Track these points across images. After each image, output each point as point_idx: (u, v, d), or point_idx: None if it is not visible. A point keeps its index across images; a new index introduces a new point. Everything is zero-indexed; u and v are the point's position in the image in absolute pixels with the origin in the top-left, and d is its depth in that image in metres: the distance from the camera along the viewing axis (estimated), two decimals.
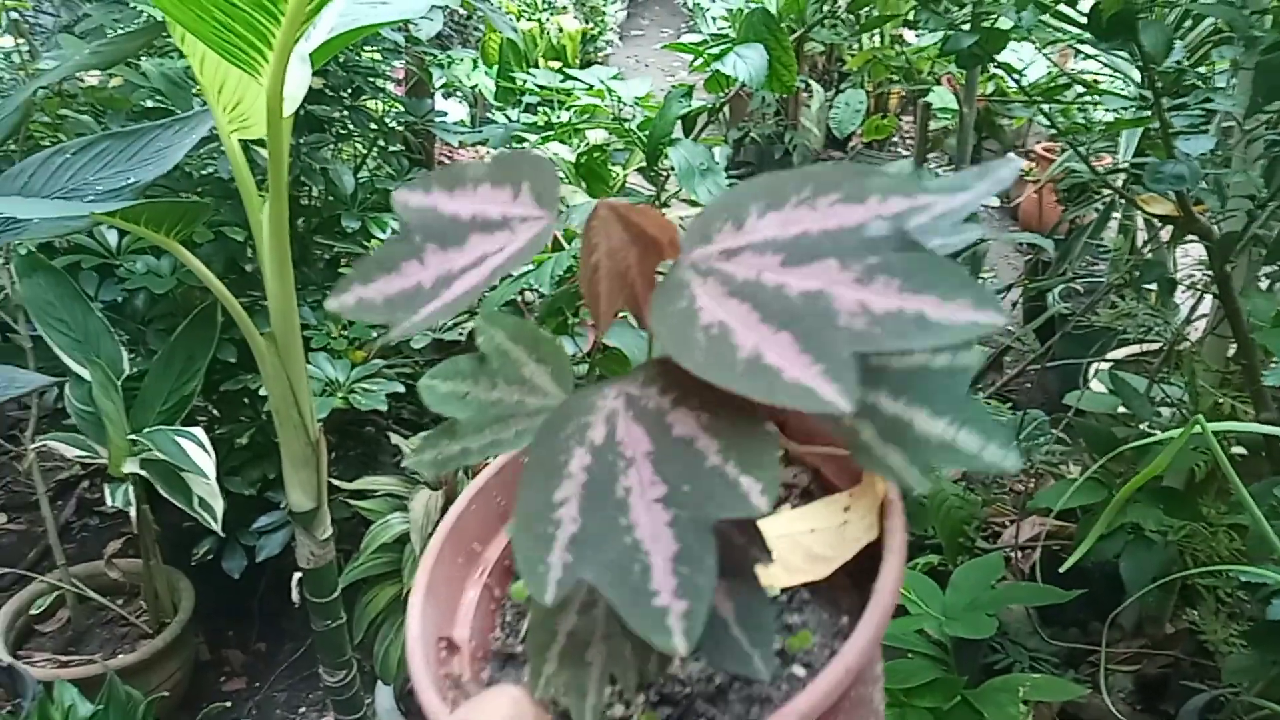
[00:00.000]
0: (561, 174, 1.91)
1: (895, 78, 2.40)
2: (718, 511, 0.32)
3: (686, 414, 0.35)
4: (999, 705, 1.16)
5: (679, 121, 1.04)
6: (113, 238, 1.47)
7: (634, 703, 0.41)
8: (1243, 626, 1.33)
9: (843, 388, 0.30)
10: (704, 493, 0.33)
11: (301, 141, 1.44)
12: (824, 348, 0.31)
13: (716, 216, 0.37)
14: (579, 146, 1.84)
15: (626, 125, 1.13)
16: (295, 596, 1.11)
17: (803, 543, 0.45)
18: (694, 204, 1.23)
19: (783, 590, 0.44)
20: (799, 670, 0.42)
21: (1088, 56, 1.67)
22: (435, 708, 0.44)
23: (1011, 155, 0.42)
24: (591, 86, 1.18)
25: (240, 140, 0.96)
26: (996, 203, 3.14)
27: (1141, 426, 1.46)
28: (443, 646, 0.51)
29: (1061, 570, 0.66)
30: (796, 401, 0.31)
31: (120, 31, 1.37)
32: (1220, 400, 1.39)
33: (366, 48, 1.49)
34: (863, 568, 0.48)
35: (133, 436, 1.30)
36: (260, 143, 0.98)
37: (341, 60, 1.43)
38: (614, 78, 1.16)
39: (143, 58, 1.40)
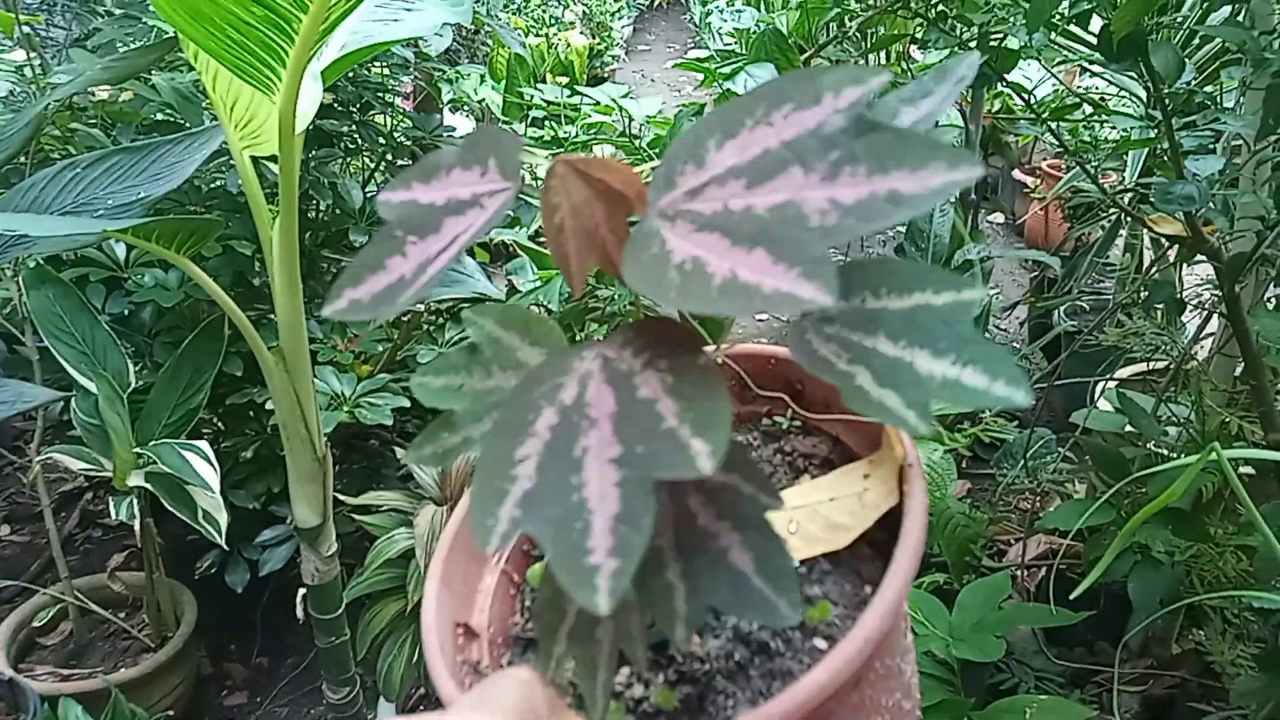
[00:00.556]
0: None
1: None
2: (662, 471, 0.31)
3: (653, 375, 0.34)
4: None
5: None
6: (120, 251, 1.47)
7: (653, 682, 0.41)
8: (1250, 648, 1.32)
9: (821, 284, 0.30)
10: (654, 453, 0.32)
11: (310, 156, 1.45)
12: (797, 252, 0.31)
13: (677, 159, 0.36)
14: None
15: (637, 143, 1.13)
16: (300, 613, 1.10)
17: (822, 511, 0.45)
18: None
19: (802, 562, 0.44)
20: (820, 643, 0.41)
21: (1094, 74, 1.67)
22: (451, 693, 0.44)
23: (971, 55, 0.41)
24: (600, 104, 1.18)
25: (251, 156, 0.96)
26: (1001, 220, 3.13)
27: (1149, 446, 1.45)
28: (460, 633, 0.51)
29: (1072, 597, 0.66)
30: (776, 307, 0.30)
31: (132, 46, 1.38)
32: (1227, 420, 1.39)
33: (376, 63, 1.49)
34: (885, 537, 0.47)
35: (138, 449, 1.30)
36: (271, 158, 0.98)
37: (351, 75, 1.44)
38: (624, 96, 1.17)
39: (153, 72, 1.40)
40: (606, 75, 4.61)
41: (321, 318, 1.51)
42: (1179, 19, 1.21)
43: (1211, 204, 1.13)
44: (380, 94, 1.47)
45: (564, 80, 2.50)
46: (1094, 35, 1.15)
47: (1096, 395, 1.75)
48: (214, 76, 0.91)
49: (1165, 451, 1.46)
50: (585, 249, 0.38)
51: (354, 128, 1.48)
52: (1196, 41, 1.40)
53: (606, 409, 0.34)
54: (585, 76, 3.44)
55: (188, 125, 1.37)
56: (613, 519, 0.31)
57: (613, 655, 0.38)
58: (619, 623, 0.38)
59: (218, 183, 1.43)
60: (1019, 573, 1.66)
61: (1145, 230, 1.75)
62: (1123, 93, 1.59)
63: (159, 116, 1.46)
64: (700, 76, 1.24)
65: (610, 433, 0.33)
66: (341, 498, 1.36)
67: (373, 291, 0.38)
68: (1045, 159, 2.89)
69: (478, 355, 0.46)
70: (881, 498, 0.44)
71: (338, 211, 1.51)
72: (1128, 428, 1.54)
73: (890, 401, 0.37)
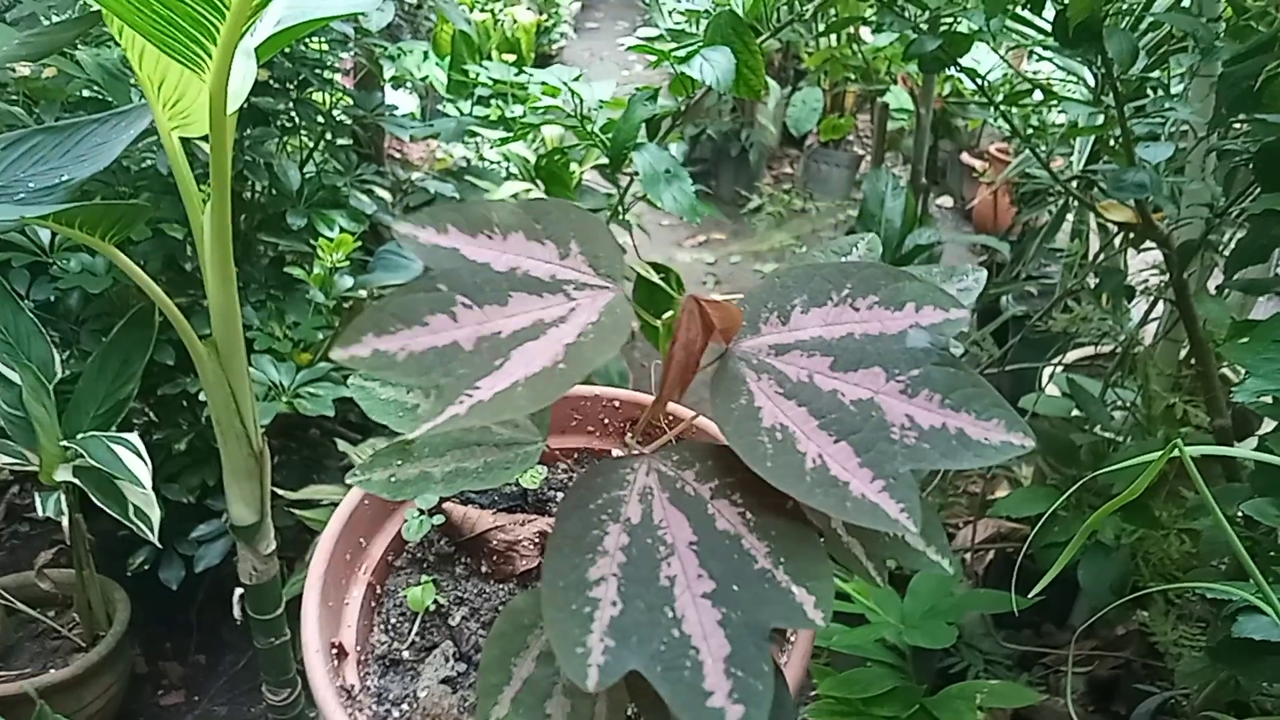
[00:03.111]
0: (518, 172, 1.87)
1: (852, 77, 2.40)
2: (773, 620, 0.32)
3: (729, 507, 0.34)
4: (956, 712, 1.16)
5: (643, 125, 1.01)
6: (45, 235, 1.41)
7: None
8: (1192, 628, 1.34)
9: (907, 508, 0.31)
10: (755, 596, 0.32)
11: (245, 135, 1.39)
12: (882, 462, 0.32)
13: (762, 306, 0.38)
14: (534, 143, 1.81)
15: (589, 128, 1.10)
16: (237, 614, 1.06)
17: None
18: (647, 202, 1.20)
19: None
20: None
21: (1041, 59, 1.68)
22: None
23: (979, 273, 0.45)
24: (551, 86, 1.15)
25: (180, 137, 0.91)
26: (950, 203, 3.16)
27: (1096, 430, 1.47)
28: (334, 652, 0.49)
29: (1033, 593, 0.65)
30: (866, 519, 0.31)
31: (54, 20, 1.31)
32: (1173, 404, 1.40)
33: (313, 39, 1.44)
34: None
35: (65, 442, 1.25)
36: (202, 139, 0.94)
37: (287, 52, 1.38)
38: (576, 78, 1.13)
39: (78, 47, 1.33)
40: (554, 53, 4.54)
41: (260, 305, 1.47)
42: (1132, 5, 1.21)
43: (1161, 191, 1.14)
44: (318, 70, 1.41)
45: (511, 58, 2.45)
46: (1048, 21, 1.14)
47: (1045, 380, 1.76)
48: (140, 53, 0.86)
49: (1112, 436, 1.47)
50: (678, 380, 0.38)
51: (291, 106, 1.42)
52: (1145, 28, 1.40)
53: (684, 537, 0.34)
54: (533, 54, 3.38)
55: (115, 104, 1.30)
56: (724, 661, 0.31)
57: None
58: (575, 705, 0.38)
59: (147, 163, 1.37)
60: (967, 556, 1.67)
61: (1092, 215, 1.77)
62: (1070, 78, 1.59)
63: (84, 94, 1.39)
64: (650, 58, 1.22)
65: (696, 564, 0.33)
66: (280, 492, 1.32)
67: (409, 349, 0.34)
68: (993, 143, 2.91)
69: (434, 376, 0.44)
70: None
71: (274, 193, 1.45)
72: (1075, 412, 1.56)
73: (857, 551, 0.41)
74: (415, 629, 0.52)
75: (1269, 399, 0.76)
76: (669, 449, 0.36)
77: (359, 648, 0.49)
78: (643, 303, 1.07)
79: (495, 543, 0.54)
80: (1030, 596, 0.65)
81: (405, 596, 0.54)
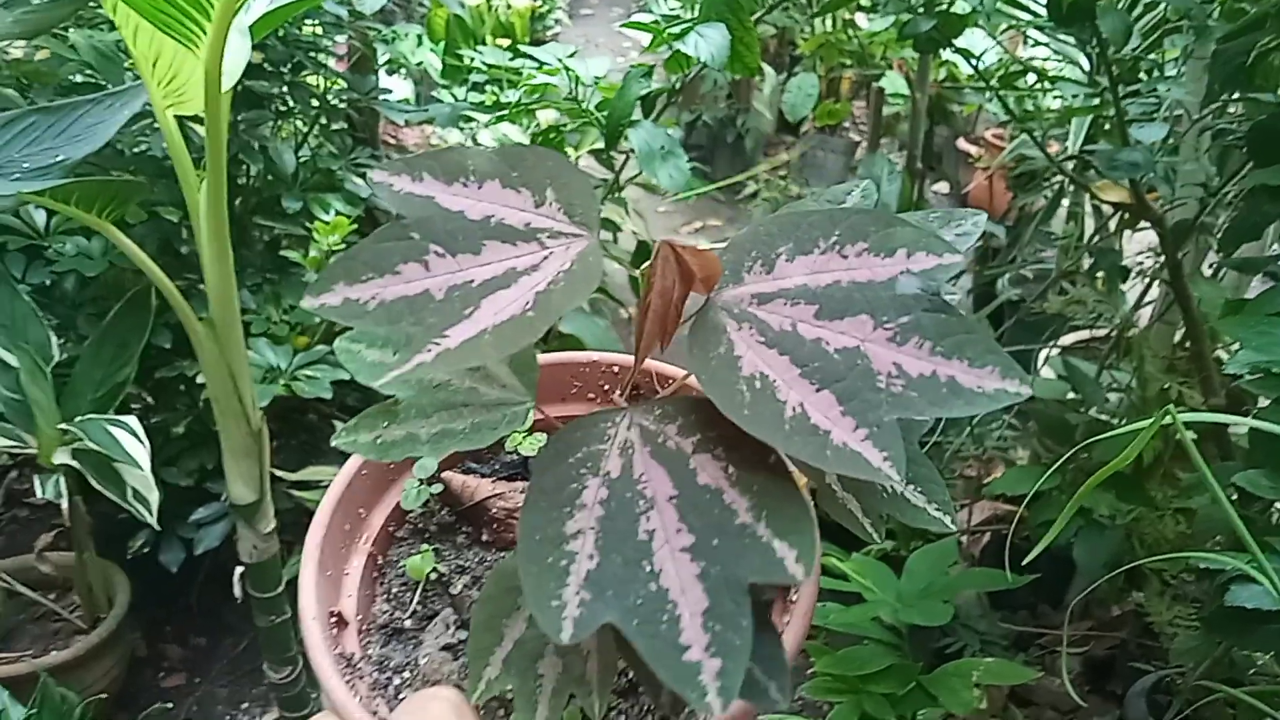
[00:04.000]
0: None
1: (848, 62, 2.40)
2: (752, 574, 0.31)
3: (710, 461, 0.34)
4: (953, 690, 1.17)
5: (639, 103, 1.01)
6: (41, 218, 1.40)
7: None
8: (1188, 608, 1.35)
9: (891, 456, 0.30)
10: (735, 551, 0.31)
11: (240, 118, 1.39)
12: (866, 411, 0.31)
13: (746, 255, 0.37)
14: (529, 127, 1.80)
15: (584, 106, 1.09)
16: (237, 592, 1.07)
17: None
18: (650, 189, 1.21)
19: None
20: None
21: (1038, 43, 1.68)
22: (342, 697, 0.41)
23: (979, 215, 0.44)
24: (545, 65, 1.15)
25: (176, 116, 0.91)
26: (946, 189, 3.16)
27: (1092, 412, 1.47)
28: (333, 622, 0.49)
29: (1026, 562, 0.65)
30: (847, 468, 0.31)
31: None
32: (1168, 386, 1.41)
33: (308, 21, 1.43)
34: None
35: (63, 425, 1.25)
36: (197, 119, 0.94)
37: (281, 35, 1.38)
38: (571, 55, 1.13)
39: (71, 29, 1.33)
40: (549, 39, 4.53)
41: (256, 289, 1.47)
42: None
43: (1154, 171, 1.14)
44: (312, 54, 1.41)
45: (505, 43, 2.45)
46: (1041, 3, 1.14)
47: (1040, 363, 1.77)
48: (134, 31, 0.85)
49: (1107, 418, 1.48)
50: (657, 330, 0.37)
51: (285, 89, 1.42)
52: (1140, 9, 1.40)
53: (664, 490, 0.33)
54: (527, 39, 3.37)
55: (109, 86, 1.30)
56: (702, 615, 0.30)
57: (559, 695, 0.37)
58: (567, 664, 0.37)
59: (143, 147, 1.37)
60: (964, 538, 1.67)
61: (1088, 199, 1.77)
62: (1065, 62, 1.59)
63: (79, 79, 1.39)
64: (645, 42, 1.21)
65: (676, 519, 0.32)
66: (280, 473, 1.32)
67: (380, 297, 0.34)
68: (989, 129, 2.91)
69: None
70: None
71: (269, 177, 1.45)
72: (1071, 394, 1.56)
73: (853, 507, 0.40)
74: (417, 598, 0.52)
75: (1262, 374, 0.76)
76: (652, 403, 0.36)
77: (360, 617, 0.49)
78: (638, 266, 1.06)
79: (495, 510, 0.54)
80: (1023, 565, 0.65)
81: (406, 566, 0.54)
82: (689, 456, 0.34)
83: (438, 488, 0.56)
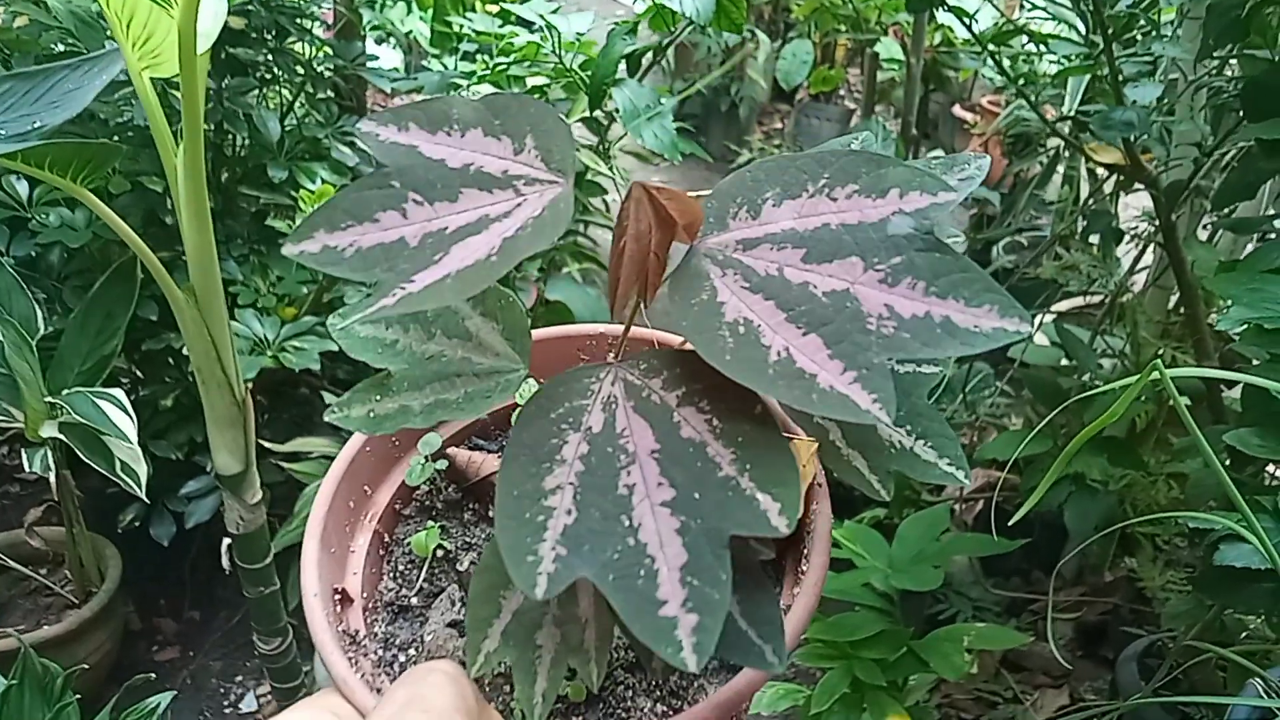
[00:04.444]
0: None
1: (842, 28, 2.37)
2: (734, 527, 0.30)
3: (695, 414, 0.33)
4: (944, 655, 1.17)
5: (623, 61, 0.99)
6: (24, 189, 1.39)
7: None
8: (1180, 573, 1.35)
9: (880, 398, 0.29)
10: (717, 504, 0.31)
11: (224, 86, 1.37)
12: (855, 353, 0.30)
13: (730, 201, 0.36)
14: (514, 89, 1.78)
15: (567, 65, 1.08)
16: (225, 563, 1.06)
17: None
18: (643, 158, 1.19)
19: None
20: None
21: (1035, 7, 1.65)
22: (344, 672, 0.41)
23: (982, 159, 0.42)
24: (530, 24, 1.13)
25: (154, 80, 0.89)
26: (943, 155, 3.14)
27: (1085, 378, 1.47)
28: (337, 599, 0.48)
29: (1011, 524, 0.65)
30: (834, 411, 0.30)
31: None
32: (1161, 351, 1.40)
33: None
34: (772, 557, 0.47)
35: (50, 399, 1.24)
36: (175, 84, 0.92)
37: (264, 0, 1.35)
38: (554, 11, 1.11)
39: None
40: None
41: (243, 259, 1.45)
42: None
43: (1149, 132, 1.13)
44: (297, 20, 1.39)
45: (495, 9, 2.41)
46: None
47: (1034, 329, 1.76)
48: None
49: (1101, 383, 1.47)
50: (634, 275, 0.36)
51: (269, 56, 1.40)
52: None
53: (646, 445, 0.33)
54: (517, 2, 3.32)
55: (88, 52, 1.28)
56: (679, 569, 0.30)
57: (557, 666, 0.37)
58: (565, 633, 0.36)
59: (126, 116, 1.35)
60: (957, 506, 1.67)
61: (1083, 164, 1.76)
62: (1062, 24, 1.57)
63: (60, 48, 1.37)
64: (637, 8, 1.19)
65: (657, 472, 0.32)
66: (269, 445, 1.32)
67: (358, 245, 0.34)
68: (985, 95, 2.89)
69: (418, 312, 0.43)
70: None
71: (255, 146, 1.43)
72: (1064, 360, 1.56)
73: (859, 464, 0.39)
74: (423, 575, 0.52)
75: (1255, 331, 0.75)
76: (638, 357, 0.35)
77: (365, 594, 0.48)
78: None
79: None
80: (1009, 526, 0.65)
81: (412, 544, 0.53)
82: (673, 410, 0.33)
83: (443, 464, 0.55)
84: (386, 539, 0.53)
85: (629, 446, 0.33)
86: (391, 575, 0.51)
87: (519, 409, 0.38)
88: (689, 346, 0.34)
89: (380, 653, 0.46)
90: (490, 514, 0.54)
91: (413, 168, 0.35)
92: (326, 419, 0.47)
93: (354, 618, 0.48)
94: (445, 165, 0.35)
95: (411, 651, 0.46)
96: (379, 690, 0.41)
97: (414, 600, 0.50)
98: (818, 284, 0.32)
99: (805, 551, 0.44)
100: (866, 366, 0.30)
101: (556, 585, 0.30)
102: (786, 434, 0.46)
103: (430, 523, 0.53)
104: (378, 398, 0.45)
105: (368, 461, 0.54)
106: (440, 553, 0.51)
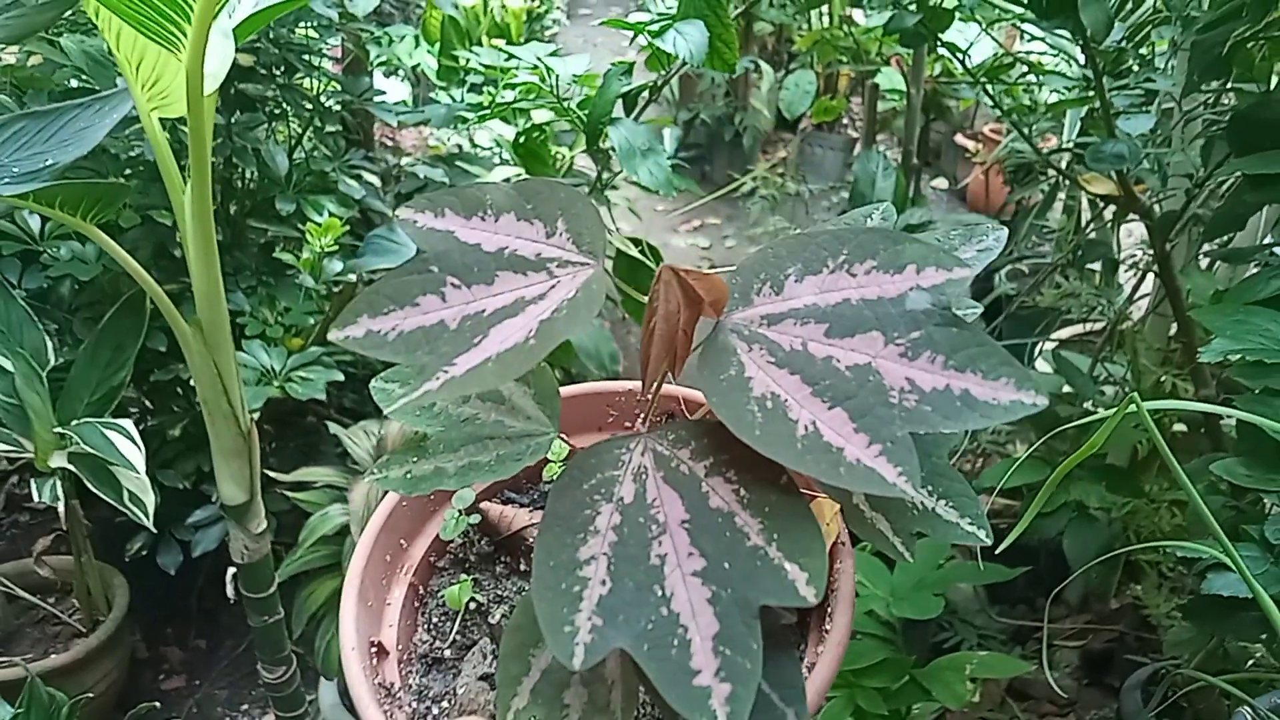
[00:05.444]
0: (498, 149, 1.87)
1: (844, 58, 2.39)
2: (764, 597, 0.31)
3: (723, 484, 0.34)
4: (946, 683, 1.17)
5: (619, 100, 1.01)
6: (35, 223, 1.42)
7: None
8: (1184, 600, 1.35)
9: (905, 471, 0.30)
10: (746, 574, 0.32)
11: (233, 121, 1.40)
12: (879, 427, 0.31)
13: (754, 278, 0.37)
14: (518, 122, 1.81)
15: (566, 104, 1.10)
16: (230, 592, 1.07)
17: None
18: (640, 186, 1.21)
19: None
20: None
21: (1034, 38, 1.67)
22: None
23: (1000, 230, 0.43)
24: (527, 64, 1.15)
25: (162, 119, 0.92)
26: (945, 185, 3.16)
27: (1085, 405, 1.47)
28: (374, 651, 0.49)
29: (1000, 549, 0.65)
30: (861, 485, 0.30)
31: (34, 2, 1.32)
32: (1161, 379, 1.41)
33: (300, 24, 1.44)
34: (793, 618, 0.47)
35: (60, 429, 1.26)
36: (184, 122, 0.94)
37: (273, 37, 1.38)
38: (552, 54, 1.13)
39: (64, 34, 1.34)
40: (547, 40, 4.52)
41: (251, 291, 1.47)
42: None
43: (1144, 163, 1.14)
44: (305, 56, 1.42)
45: (501, 43, 2.45)
46: None
47: (1035, 356, 1.76)
48: (117, 34, 0.86)
49: (1101, 411, 1.48)
50: (663, 353, 0.37)
51: (278, 92, 1.43)
52: (1130, 5, 1.40)
53: (676, 515, 0.33)
54: (523, 40, 3.36)
55: (100, 91, 1.31)
56: (713, 639, 0.30)
57: None
58: (592, 693, 0.37)
59: (136, 152, 1.38)
60: None
61: (1083, 193, 1.77)
62: (1059, 54, 1.59)
63: (73, 84, 1.40)
64: (641, 41, 1.22)
65: (688, 543, 0.32)
66: (274, 475, 1.33)
67: (400, 329, 0.35)
68: (987, 124, 2.91)
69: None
70: None
71: (263, 180, 1.46)
72: (1065, 388, 1.56)
73: (883, 526, 0.39)
74: (456, 627, 0.53)
75: (1250, 362, 0.76)
76: (667, 428, 0.36)
77: (400, 647, 0.49)
78: (625, 279, 1.07)
79: (532, 540, 0.55)
80: (996, 554, 0.65)
81: (446, 597, 0.54)
82: (702, 480, 0.34)
83: (476, 518, 0.56)
84: (421, 591, 0.54)
85: (660, 517, 0.33)
86: (426, 627, 0.52)
87: (555, 479, 0.39)
88: (712, 413, 0.35)
89: (415, 705, 0.47)
90: (522, 567, 0.55)
91: (449, 252, 0.36)
92: (367, 481, 0.48)
93: (389, 670, 0.48)
94: (481, 249, 0.37)
95: (445, 704, 0.47)
96: None
97: (447, 653, 0.51)
98: (841, 358, 0.33)
99: (829, 610, 0.45)
100: (891, 440, 0.31)
101: (594, 655, 0.30)
102: (809, 492, 0.48)
103: (463, 575, 0.54)
104: (414, 459, 0.46)
105: (404, 515, 0.55)
106: (473, 605, 0.52)
